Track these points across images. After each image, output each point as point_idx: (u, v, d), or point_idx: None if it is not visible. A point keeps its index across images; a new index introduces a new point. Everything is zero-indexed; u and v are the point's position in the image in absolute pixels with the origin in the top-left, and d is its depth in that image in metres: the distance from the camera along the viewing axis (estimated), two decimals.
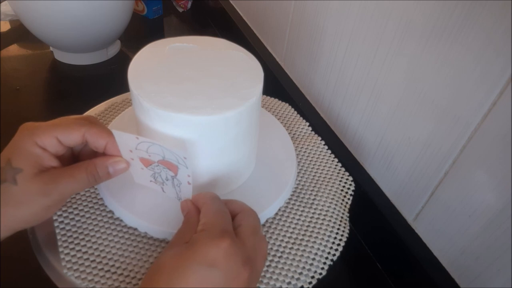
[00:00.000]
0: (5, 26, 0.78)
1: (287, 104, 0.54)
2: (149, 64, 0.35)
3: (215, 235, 0.28)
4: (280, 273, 0.36)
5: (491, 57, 0.31)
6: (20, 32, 0.76)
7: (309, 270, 0.36)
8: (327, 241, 0.39)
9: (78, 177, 0.32)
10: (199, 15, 0.90)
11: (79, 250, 0.35)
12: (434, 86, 0.37)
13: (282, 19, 0.60)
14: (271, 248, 0.38)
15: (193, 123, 0.32)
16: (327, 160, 0.47)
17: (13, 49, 0.74)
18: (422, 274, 0.40)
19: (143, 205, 0.37)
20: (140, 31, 0.83)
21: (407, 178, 0.43)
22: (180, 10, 0.90)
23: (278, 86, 0.62)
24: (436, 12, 0.35)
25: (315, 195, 0.43)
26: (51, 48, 0.71)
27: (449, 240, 0.39)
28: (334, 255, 0.38)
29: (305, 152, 0.48)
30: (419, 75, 0.38)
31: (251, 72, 0.36)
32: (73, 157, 0.35)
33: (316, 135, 0.50)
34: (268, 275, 0.36)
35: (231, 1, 0.79)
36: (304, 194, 0.43)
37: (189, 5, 0.90)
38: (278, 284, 0.35)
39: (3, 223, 0.30)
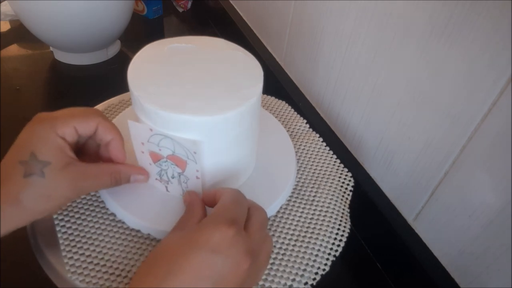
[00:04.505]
0: (5, 26, 0.78)
1: (284, 102, 0.54)
2: (148, 65, 0.35)
3: (223, 221, 0.28)
4: (284, 270, 0.36)
5: (491, 57, 0.31)
6: (20, 32, 0.76)
7: (312, 266, 0.37)
8: (329, 237, 0.39)
9: (102, 179, 0.33)
10: (199, 15, 0.90)
11: (82, 254, 0.35)
12: (434, 86, 0.37)
13: (282, 19, 0.60)
14: (275, 246, 0.38)
15: (194, 124, 0.32)
16: (326, 156, 0.47)
17: (13, 49, 0.74)
18: (422, 274, 0.40)
19: (145, 207, 0.37)
20: (140, 31, 0.83)
21: (407, 178, 0.43)
22: (180, 10, 0.90)
23: (278, 86, 0.62)
24: (436, 12, 0.35)
25: (315, 192, 0.43)
26: (51, 48, 0.71)
27: (449, 240, 0.39)
28: (336, 251, 0.38)
29: (303, 149, 0.48)
30: (419, 75, 0.38)
31: (251, 71, 0.36)
32: (77, 150, 0.35)
33: (314, 132, 0.50)
34: (272, 272, 0.36)
35: (231, 1, 0.79)
36: (304, 191, 0.43)
37: (189, 5, 0.90)
38: (282, 281, 0.35)
39: (25, 215, 0.30)
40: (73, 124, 0.32)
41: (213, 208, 0.30)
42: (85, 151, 0.36)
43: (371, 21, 0.42)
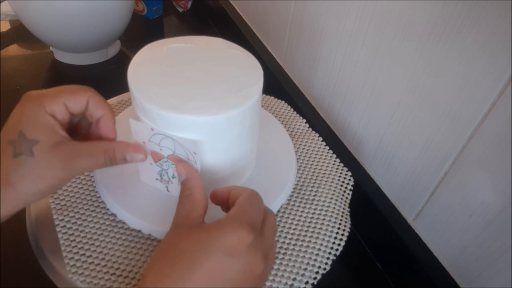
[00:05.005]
0: (5, 26, 0.78)
1: (283, 102, 0.54)
2: (148, 66, 0.35)
3: (243, 226, 0.27)
4: (285, 270, 0.36)
5: (491, 57, 0.31)
6: (20, 32, 0.76)
7: (313, 265, 0.37)
8: (330, 236, 0.39)
9: (96, 157, 0.31)
10: (199, 15, 0.90)
11: (83, 254, 0.35)
12: (434, 86, 0.37)
13: (282, 19, 0.60)
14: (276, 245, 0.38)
15: (197, 124, 0.32)
16: (326, 156, 0.47)
17: (13, 49, 0.74)
18: (422, 274, 0.41)
19: (146, 207, 0.37)
20: (140, 31, 0.83)
21: (407, 178, 0.43)
22: (180, 10, 0.90)
23: (278, 86, 0.62)
24: (436, 12, 0.35)
25: (315, 191, 0.43)
26: (51, 48, 0.71)
27: (449, 240, 0.39)
28: (337, 249, 0.39)
29: (303, 148, 0.48)
30: (419, 75, 0.38)
31: (251, 70, 0.36)
32: (70, 130, 0.34)
33: (314, 132, 0.50)
34: (273, 271, 0.36)
35: (231, 1, 0.79)
36: (304, 190, 0.43)
37: (189, 5, 0.90)
38: (284, 280, 0.35)
39: (18, 198, 0.29)
40: (62, 100, 0.30)
41: (232, 209, 0.29)
42: (79, 133, 0.34)
43: (371, 21, 0.42)
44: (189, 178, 0.32)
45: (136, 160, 0.34)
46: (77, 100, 0.31)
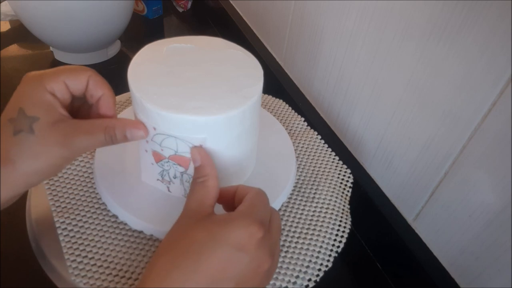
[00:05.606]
0: (5, 26, 0.78)
1: (281, 101, 0.54)
2: (148, 66, 0.35)
3: (254, 221, 0.27)
4: (288, 267, 0.36)
5: (491, 57, 0.31)
6: (20, 32, 0.76)
7: (315, 263, 0.37)
8: (331, 233, 0.39)
9: (96, 135, 0.31)
10: (199, 15, 0.90)
11: (85, 256, 0.35)
12: (434, 86, 0.37)
13: (282, 19, 0.60)
14: None
15: (198, 124, 0.32)
16: (325, 154, 0.47)
17: (13, 49, 0.74)
18: (422, 274, 0.41)
19: (148, 208, 0.37)
20: (140, 31, 0.83)
21: (407, 178, 0.43)
22: (180, 10, 0.90)
23: (278, 86, 0.62)
24: (436, 12, 0.35)
25: (315, 189, 0.43)
26: (51, 48, 0.71)
27: (449, 240, 0.39)
28: (338, 247, 0.39)
29: (302, 147, 0.48)
30: (419, 75, 0.38)
31: (251, 70, 0.36)
32: (72, 113, 0.33)
33: (312, 130, 0.50)
34: (277, 269, 0.36)
35: (231, 1, 0.79)
36: (305, 188, 0.43)
37: (189, 5, 0.90)
38: (286, 278, 0.35)
39: (18, 178, 0.29)
40: (62, 79, 0.30)
41: (241, 205, 0.29)
42: (80, 117, 0.33)
43: (371, 21, 0.42)
44: (204, 165, 0.32)
45: (136, 137, 0.33)
46: (77, 79, 0.31)
